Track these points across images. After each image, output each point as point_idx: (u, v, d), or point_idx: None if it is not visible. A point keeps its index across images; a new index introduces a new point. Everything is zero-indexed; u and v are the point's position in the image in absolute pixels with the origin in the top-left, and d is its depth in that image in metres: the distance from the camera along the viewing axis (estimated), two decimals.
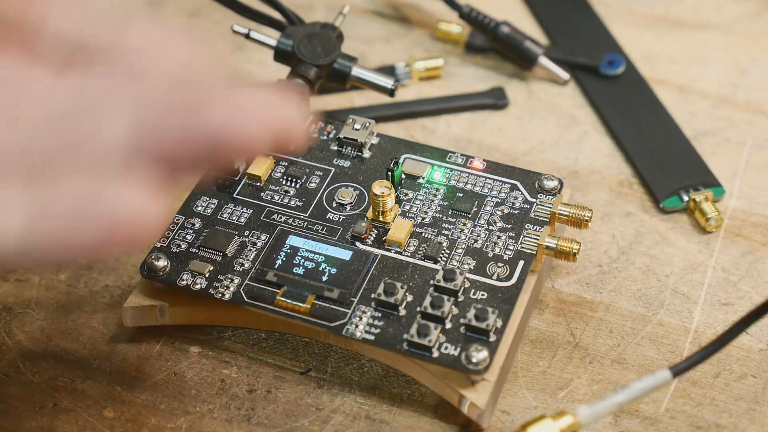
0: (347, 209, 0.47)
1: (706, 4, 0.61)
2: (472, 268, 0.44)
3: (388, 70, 0.57)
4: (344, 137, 0.49)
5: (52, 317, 0.47)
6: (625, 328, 0.46)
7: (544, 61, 0.56)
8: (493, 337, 0.42)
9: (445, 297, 0.43)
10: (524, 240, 0.45)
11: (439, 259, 0.45)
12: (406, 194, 0.47)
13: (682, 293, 0.47)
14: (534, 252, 0.45)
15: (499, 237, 0.45)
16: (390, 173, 0.47)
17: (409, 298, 0.43)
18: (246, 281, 0.44)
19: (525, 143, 0.54)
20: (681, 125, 0.54)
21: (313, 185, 0.48)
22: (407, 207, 0.47)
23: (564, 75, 0.56)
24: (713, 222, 0.49)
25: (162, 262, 0.45)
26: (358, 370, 0.45)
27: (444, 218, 0.46)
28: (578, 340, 0.46)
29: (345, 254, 0.45)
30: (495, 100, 0.56)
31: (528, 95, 0.56)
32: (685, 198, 0.50)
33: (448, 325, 0.42)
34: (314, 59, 0.51)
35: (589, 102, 0.56)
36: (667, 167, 0.52)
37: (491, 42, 0.57)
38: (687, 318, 0.47)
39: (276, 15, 0.53)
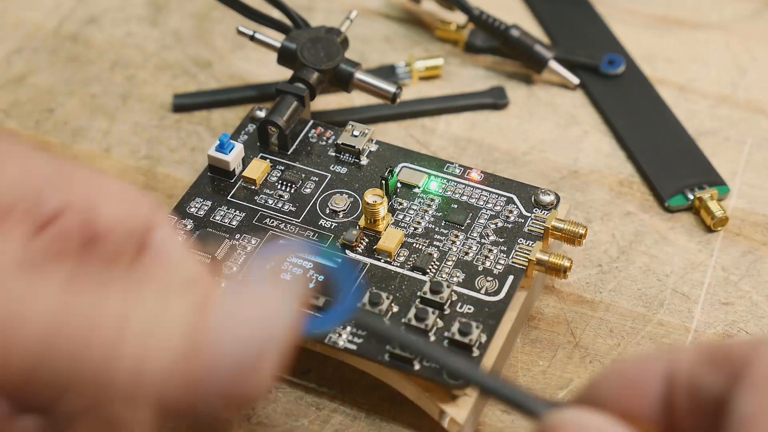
0: (340, 216, 0.47)
1: (706, 4, 0.61)
2: (461, 281, 0.44)
3: (388, 70, 0.57)
4: (342, 143, 0.49)
5: None
6: (625, 328, 0.46)
7: (554, 65, 0.56)
8: (476, 352, 0.42)
9: (430, 309, 0.42)
10: (515, 255, 0.45)
11: (428, 270, 0.44)
12: (401, 203, 0.47)
13: (682, 293, 0.47)
14: (524, 267, 0.44)
15: (490, 250, 0.45)
16: (384, 182, 0.47)
17: (395, 309, 0.43)
18: None
19: (525, 143, 0.54)
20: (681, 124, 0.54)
21: (307, 191, 0.48)
22: (400, 216, 0.46)
23: (574, 79, 0.56)
24: (719, 220, 0.49)
25: None
26: (359, 370, 0.45)
27: (437, 229, 0.46)
28: (578, 339, 0.46)
29: (334, 262, 0.45)
30: (495, 100, 0.56)
31: (528, 95, 0.56)
32: (690, 197, 0.50)
33: (432, 338, 0.42)
34: (317, 64, 0.51)
35: (590, 101, 0.56)
36: (672, 166, 0.52)
37: (501, 45, 0.56)
38: (687, 317, 0.47)
39: (279, 17, 0.53)
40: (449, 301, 0.43)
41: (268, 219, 0.47)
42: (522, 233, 0.45)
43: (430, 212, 0.47)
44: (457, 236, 0.46)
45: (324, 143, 0.50)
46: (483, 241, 0.45)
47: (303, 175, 0.48)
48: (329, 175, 0.48)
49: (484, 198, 0.47)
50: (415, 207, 0.47)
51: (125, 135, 0.55)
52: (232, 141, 0.48)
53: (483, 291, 0.44)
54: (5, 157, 0.33)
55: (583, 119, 0.55)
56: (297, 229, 0.46)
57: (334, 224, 0.46)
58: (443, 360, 0.35)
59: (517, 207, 0.46)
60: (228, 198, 0.48)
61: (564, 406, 0.32)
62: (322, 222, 0.46)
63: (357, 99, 0.56)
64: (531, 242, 0.45)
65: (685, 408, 0.31)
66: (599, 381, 0.32)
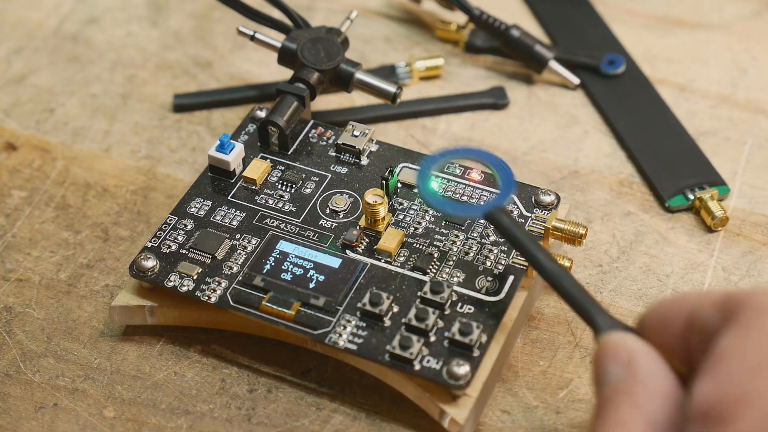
0: (340, 216, 0.47)
1: (706, 4, 0.61)
2: (461, 281, 0.44)
3: (389, 70, 0.56)
4: (342, 143, 0.49)
5: (52, 317, 0.47)
6: None
7: (554, 65, 0.56)
8: (476, 352, 0.42)
9: (430, 310, 0.42)
10: (516, 255, 0.45)
11: (429, 270, 0.44)
12: (401, 203, 0.47)
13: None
14: (525, 267, 0.44)
15: (491, 250, 0.45)
16: (385, 182, 0.47)
17: (396, 309, 0.43)
18: (233, 285, 0.44)
19: (525, 143, 0.54)
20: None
21: (308, 191, 0.48)
22: (401, 216, 0.46)
23: (574, 80, 0.56)
24: (719, 220, 0.49)
25: (150, 262, 0.45)
26: (359, 370, 0.45)
27: (437, 229, 0.46)
28: (578, 339, 0.46)
29: (334, 262, 0.45)
30: (495, 100, 0.56)
31: (528, 95, 0.56)
32: (691, 197, 0.50)
33: (432, 338, 0.42)
34: (317, 64, 0.51)
35: (590, 101, 0.56)
36: (672, 166, 0.52)
37: (501, 45, 0.56)
38: None
39: (279, 17, 0.53)
40: (449, 301, 0.43)
41: (269, 219, 0.47)
42: None
43: (431, 212, 0.46)
44: (457, 236, 0.46)
45: (324, 143, 0.50)
46: (483, 241, 0.45)
47: (303, 175, 0.48)
48: (329, 175, 0.48)
49: (485, 198, 0.47)
50: (415, 207, 0.47)
51: (125, 135, 0.55)
52: (232, 141, 0.48)
53: (483, 291, 0.44)
54: None
55: (583, 119, 0.55)
56: (297, 229, 0.46)
57: (334, 224, 0.46)
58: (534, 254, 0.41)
59: (517, 207, 0.46)
60: (228, 198, 0.48)
61: (619, 328, 0.37)
62: (322, 222, 0.46)
63: (357, 99, 0.56)
64: None
65: (697, 347, 0.35)
66: (648, 312, 0.37)
